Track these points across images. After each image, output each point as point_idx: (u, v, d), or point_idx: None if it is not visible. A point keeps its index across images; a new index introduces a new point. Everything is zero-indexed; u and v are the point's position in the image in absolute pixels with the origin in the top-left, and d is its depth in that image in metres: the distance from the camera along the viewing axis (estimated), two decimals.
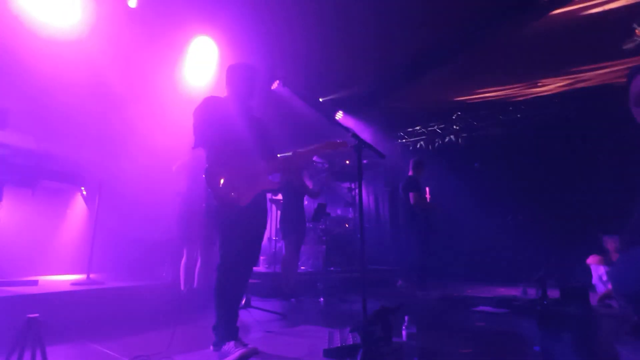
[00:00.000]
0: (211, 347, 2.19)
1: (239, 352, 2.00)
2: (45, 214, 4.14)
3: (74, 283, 3.37)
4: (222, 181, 2.20)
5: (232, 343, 2.08)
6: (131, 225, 4.42)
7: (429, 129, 7.77)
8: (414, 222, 5.04)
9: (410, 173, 5.25)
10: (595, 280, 4.32)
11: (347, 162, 6.96)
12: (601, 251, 4.19)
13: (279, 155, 2.52)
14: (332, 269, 5.43)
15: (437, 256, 6.83)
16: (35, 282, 3.24)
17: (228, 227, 2.28)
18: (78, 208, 4.57)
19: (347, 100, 6.57)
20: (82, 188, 4.42)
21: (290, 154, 2.51)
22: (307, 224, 5.62)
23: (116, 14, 4.10)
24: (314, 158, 6.37)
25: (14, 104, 3.47)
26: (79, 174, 3.88)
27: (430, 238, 5.03)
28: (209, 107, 2.34)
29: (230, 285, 2.25)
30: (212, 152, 2.28)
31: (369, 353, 1.86)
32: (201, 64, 4.96)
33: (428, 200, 5.16)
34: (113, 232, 4.35)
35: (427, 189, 5.22)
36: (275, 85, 4.99)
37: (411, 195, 4.98)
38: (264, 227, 2.54)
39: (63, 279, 3.75)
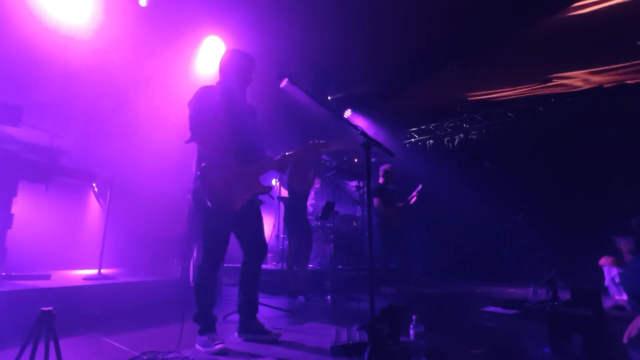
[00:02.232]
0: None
1: (218, 346, 2.12)
2: (58, 210, 4.21)
3: (86, 278, 3.43)
4: (218, 186, 2.24)
5: (212, 335, 2.21)
6: (142, 221, 4.47)
7: (439, 127, 7.71)
8: (378, 226, 5.11)
9: (380, 180, 5.26)
10: (607, 282, 4.24)
11: (356, 160, 6.95)
12: (614, 252, 4.11)
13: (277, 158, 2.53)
14: (339, 267, 5.43)
15: (446, 256, 6.80)
16: (49, 276, 3.31)
17: (215, 229, 2.31)
18: (90, 204, 4.64)
19: (355, 99, 6.55)
20: (94, 184, 4.49)
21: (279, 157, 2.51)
22: (315, 222, 5.63)
23: (128, 13, 4.14)
24: (322, 156, 6.36)
25: (28, 101, 3.53)
26: (90, 171, 3.94)
27: (393, 242, 5.08)
28: (203, 100, 2.33)
29: (211, 283, 2.34)
30: (206, 150, 2.29)
31: (377, 351, 1.85)
32: (210, 63, 4.99)
33: (415, 198, 5.21)
34: (124, 228, 4.41)
35: (420, 185, 5.23)
36: (283, 84, 5.00)
37: (374, 200, 5.06)
38: (260, 222, 2.55)
39: (75, 274, 3.81)
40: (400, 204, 5.21)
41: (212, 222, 2.31)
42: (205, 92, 2.37)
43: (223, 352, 2.10)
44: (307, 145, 2.52)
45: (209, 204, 2.24)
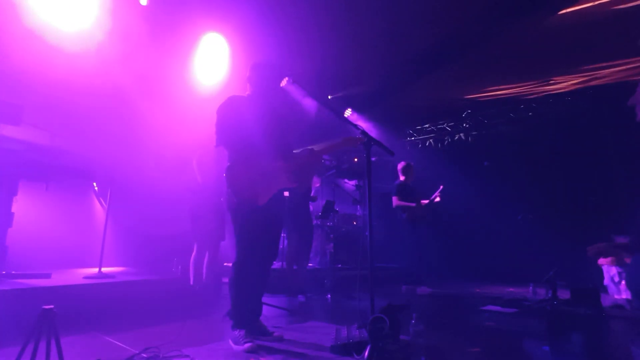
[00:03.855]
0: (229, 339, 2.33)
1: (247, 345, 2.17)
2: (58, 209, 4.21)
3: (87, 276, 3.44)
4: (241, 182, 2.32)
5: (243, 332, 2.25)
6: (142, 220, 4.48)
7: (439, 127, 7.71)
8: (400, 225, 5.07)
9: (402, 178, 5.22)
10: (607, 281, 4.25)
11: (355, 159, 6.95)
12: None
13: (295, 151, 2.58)
14: (339, 266, 5.44)
15: (446, 255, 6.80)
16: (49, 275, 3.31)
17: (245, 226, 2.37)
18: (90, 203, 4.64)
19: (356, 98, 6.55)
20: (94, 184, 4.50)
21: (307, 150, 2.54)
22: (315, 221, 5.63)
23: (128, 11, 4.14)
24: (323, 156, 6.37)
25: (29, 101, 3.53)
26: (91, 170, 3.94)
27: (420, 241, 5.03)
28: (231, 107, 2.44)
29: (244, 280, 2.38)
30: (233, 151, 2.39)
31: (376, 350, 1.86)
32: (212, 60, 4.99)
33: (437, 200, 5.11)
34: (124, 227, 4.42)
35: (441, 187, 5.14)
36: (284, 83, 5.00)
37: (393, 199, 5.03)
38: (279, 231, 2.64)
39: (76, 273, 3.82)
40: (425, 202, 5.11)
41: (241, 220, 2.38)
42: (233, 101, 2.48)
43: (252, 350, 2.14)
44: (340, 139, 2.49)
45: (234, 199, 2.35)
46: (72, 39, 3.87)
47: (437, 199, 5.15)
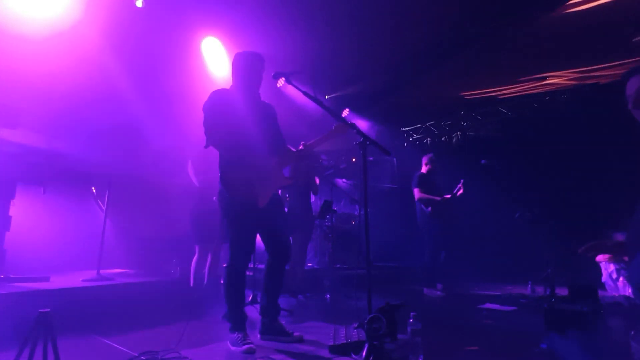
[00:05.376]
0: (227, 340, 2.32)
1: (246, 347, 2.16)
2: (56, 212, 4.21)
3: (85, 279, 3.43)
4: (238, 184, 2.26)
5: (241, 334, 2.24)
6: (140, 222, 4.48)
7: (436, 125, 7.72)
8: (421, 219, 4.98)
9: (424, 169, 5.08)
10: (605, 278, 4.26)
11: (354, 159, 6.96)
12: None
13: (290, 148, 2.55)
14: (338, 265, 5.44)
15: (445, 254, 6.80)
16: (47, 278, 3.31)
17: (241, 228, 2.33)
18: (88, 206, 4.63)
19: (353, 98, 6.56)
20: (92, 187, 4.50)
21: (300, 147, 2.53)
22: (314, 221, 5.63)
23: (124, 14, 4.13)
24: (321, 156, 6.37)
25: (26, 104, 3.53)
26: (88, 172, 3.94)
27: (440, 236, 4.88)
28: (218, 103, 2.34)
29: (238, 283, 2.35)
30: (225, 152, 2.31)
31: (374, 349, 1.87)
32: (208, 63, 4.99)
33: (462, 190, 4.90)
34: (122, 229, 4.42)
35: (462, 181, 4.94)
36: (280, 83, 5.00)
37: (415, 191, 4.89)
38: (284, 224, 2.59)
39: (74, 275, 3.81)
40: (448, 196, 4.92)
41: (237, 222, 2.32)
42: (218, 95, 2.39)
43: (250, 352, 2.13)
44: (331, 129, 2.46)
45: (232, 204, 2.28)
46: (67, 41, 3.86)
47: (460, 192, 4.92)
